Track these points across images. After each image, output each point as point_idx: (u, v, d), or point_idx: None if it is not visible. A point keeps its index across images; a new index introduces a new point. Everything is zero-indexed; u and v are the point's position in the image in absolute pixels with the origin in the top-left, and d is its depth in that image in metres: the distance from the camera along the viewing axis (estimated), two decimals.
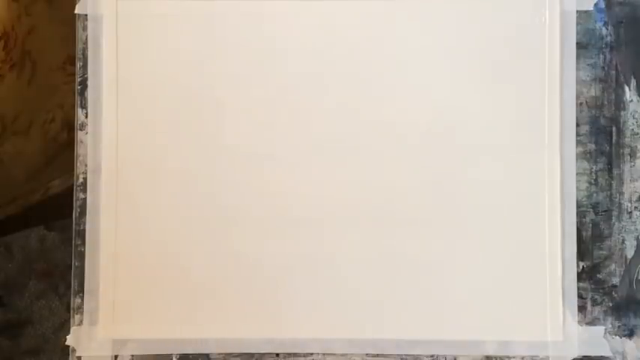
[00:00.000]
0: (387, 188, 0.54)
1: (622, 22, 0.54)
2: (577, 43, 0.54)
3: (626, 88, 0.54)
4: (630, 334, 0.53)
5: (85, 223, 0.55)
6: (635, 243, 0.53)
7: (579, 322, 0.53)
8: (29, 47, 0.72)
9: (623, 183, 0.54)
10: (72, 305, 0.55)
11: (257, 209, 0.54)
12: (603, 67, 0.54)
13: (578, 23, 0.54)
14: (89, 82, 0.55)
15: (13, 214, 0.87)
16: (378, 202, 0.54)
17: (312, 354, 0.54)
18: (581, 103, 0.54)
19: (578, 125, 0.54)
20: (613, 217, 0.54)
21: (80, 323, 0.55)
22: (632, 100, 0.54)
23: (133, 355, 0.54)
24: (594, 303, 0.53)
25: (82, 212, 0.55)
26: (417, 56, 0.54)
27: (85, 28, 0.56)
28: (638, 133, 0.54)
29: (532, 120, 0.53)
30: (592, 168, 0.54)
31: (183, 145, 0.55)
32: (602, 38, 0.54)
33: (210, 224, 0.54)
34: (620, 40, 0.54)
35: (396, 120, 0.54)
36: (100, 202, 0.55)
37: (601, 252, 0.53)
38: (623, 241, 0.54)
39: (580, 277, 0.53)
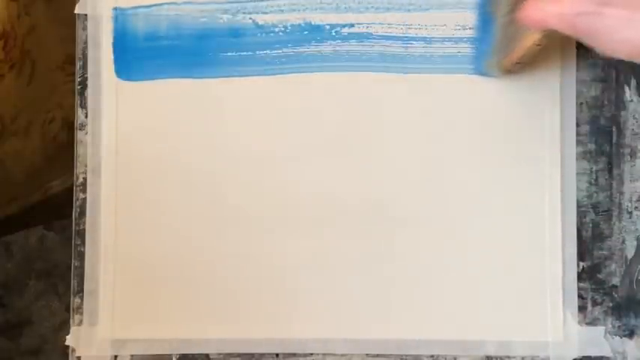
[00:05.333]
0: (387, 187, 0.54)
1: None
2: (577, 43, 0.54)
3: (626, 88, 0.54)
4: (630, 334, 0.53)
5: (85, 223, 0.55)
6: (635, 243, 0.53)
7: (579, 322, 0.53)
8: (29, 47, 0.72)
9: (623, 183, 0.54)
10: (72, 305, 0.55)
11: (257, 209, 0.54)
12: (603, 67, 0.54)
13: None
14: (89, 82, 0.55)
15: (13, 214, 0.87)
16: (379, 201, 0.54)
17: (312, 354, 0.54)
18: (581, 103, 0.54)
19: (578, 125, 0.54)
20: (613, 217, 0.54)
21: (80, 323, 0.55)
22: (632, 100, 0.54)
23: (132, 355, 0.54)
24: (594, 303, 0.53)
25: (82, 212, 0.55)
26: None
27: (85, 28, 0.56)
28: (638, 133, 0.54)
29: (532, 120, 0.53)
30: (592, 168, 0.54)
31: (184, 145, 0.55)
32: None
33: (210, 224, 0.54)
34: None
35: (396, 117, 0.54)
36: (100, 202, 0.55)
37: (601, 252, 0.53)
38: (623, 241, 0.54)
39: (580, 277, 0.53)
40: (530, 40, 0.47)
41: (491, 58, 0.51)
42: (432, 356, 0.53)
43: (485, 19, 0.50)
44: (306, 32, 0.54)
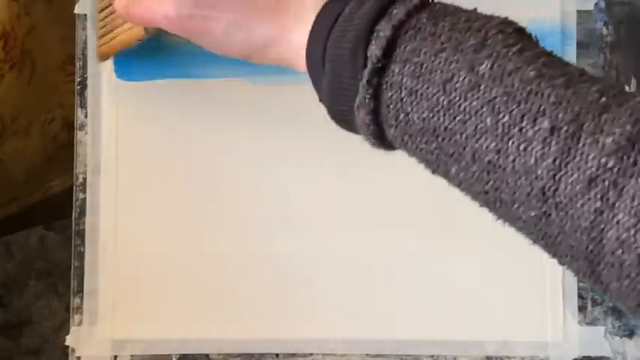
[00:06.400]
0: (387, 188, 0.54)
1: (622, 22, 0.54)
2: (577, 43, 0.54)
3: (626, 88, 0.54)
4: (630, 334, 0.53)
5: (84, 223, 0.55)
6: None
7: (579, 322, 0.53)
8: (29, 47, 0.72)
9: None
10: (72, 305, 0.55)
11: (257, 209, 0.54)
12: (604, 67, 0.54)
13: (578, 23, 0.54)
14: (89, 82, 0.55)
15: (13, 214, 0.87)
16: (379, 201, 0.54)
17: (312, 354, 0.54)
18: None
19: None
20: None
21: (80, 323, 0.55)
22: None
23: (132, 355, 0.54)
24: (594, 303, 0.53)
25: (82, 212, 0.55)
26: None
27: (85, 28, 0.56)
28: None
29: None
30: None
31: (183, 145, 0.55)
32: (603, 38, 0.54)
33: (210, 224, 0.54)
34: (621, 40, 0.54)
35: None
36: (100, 202, 0.55)
37: None
38: None
39: None
40: (134, 35, 0.48)
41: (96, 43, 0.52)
42: (432, 356, 0.53)
43: None
44: None
